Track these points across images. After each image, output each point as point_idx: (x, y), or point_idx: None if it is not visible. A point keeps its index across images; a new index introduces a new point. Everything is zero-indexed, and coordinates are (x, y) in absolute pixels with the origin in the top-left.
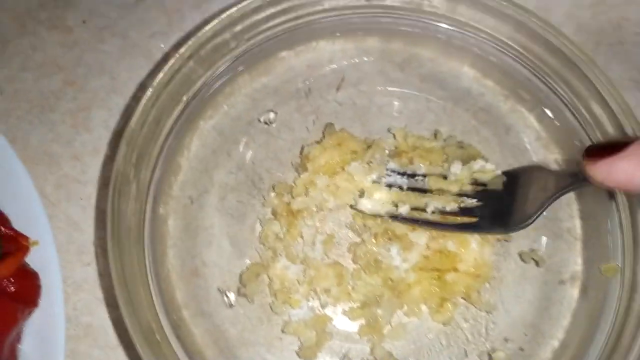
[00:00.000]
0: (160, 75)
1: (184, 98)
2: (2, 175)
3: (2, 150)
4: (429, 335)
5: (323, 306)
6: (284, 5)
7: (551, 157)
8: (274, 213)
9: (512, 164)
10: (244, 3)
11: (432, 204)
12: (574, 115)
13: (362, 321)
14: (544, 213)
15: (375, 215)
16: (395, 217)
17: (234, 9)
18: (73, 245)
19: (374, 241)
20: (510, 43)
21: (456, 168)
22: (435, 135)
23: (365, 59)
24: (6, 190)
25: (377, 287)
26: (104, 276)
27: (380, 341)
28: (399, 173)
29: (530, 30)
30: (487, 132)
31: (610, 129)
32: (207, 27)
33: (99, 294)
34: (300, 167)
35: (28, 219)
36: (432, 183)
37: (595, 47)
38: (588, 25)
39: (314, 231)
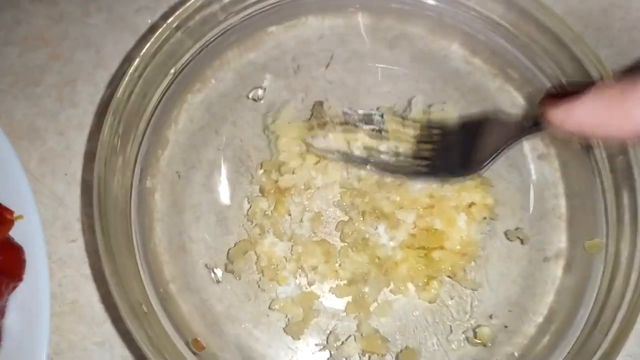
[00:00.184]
0: (148, 45)
1: (172, 70)
2: None
3: None
4: (415, 312)
5: (310, 283)
6: None
7: (538, 135)
8: (262, 190)
9: None
10: None
11: (386, 144)
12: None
13: (349, 298)
14: (532, 176)
15: (326, 152)
16: (348, 158)
17: None
18: (58, 221)
19: (361, 219)
20: (500, 21)
21: (414, 108)
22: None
23: (355, 36)
24: None
25: (364, 264)
26: (90, 252)
27: (366, 318)
28: (356, 113)
29: (521, 8)
30: (475, 111)
31: None
32: None
33: (84, 270)
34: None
35: (12, 193)
36: (389, 124)
37: (583, 30)
38: (576, 9)
39: (302, 209)
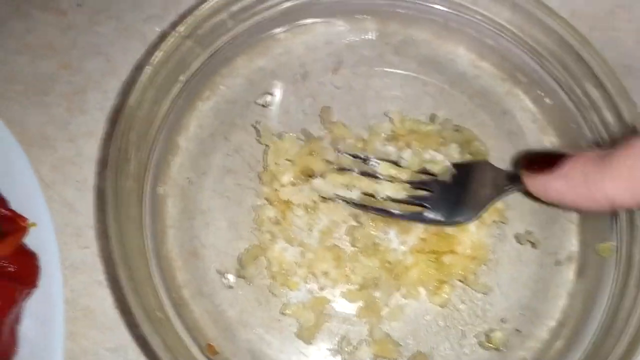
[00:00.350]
0: (159, 53)
1: (182, 77)
2: (0, 157)
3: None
4: (427, 316)
5: (321, 288)
6: None
7: (547, 139)
8: (267, 199)
9: (508, 147)
10: None
11: (382, 191)
12: (570, 97)
13: (360, 303)
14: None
15: (327, 198)
16: (346, 201)
17: None
18: (69, 227)
19: (372, 224)
20: (507, 25)
21: (407, 155)
22: (432, 118)
23: (362, 41)
24: (4, 172)
25: (375, 269)
26: (102, 258)
27: (378, 323)
28: (352, 156)
29: (527, 12)
30: (483, 115)
31: (607, 111)
32: (204, 6)
33: (96, 276)
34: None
35: (26, 200)
36: (383, 169)
37: (588, 33)
38: (582, 12)
39: (308, 219)
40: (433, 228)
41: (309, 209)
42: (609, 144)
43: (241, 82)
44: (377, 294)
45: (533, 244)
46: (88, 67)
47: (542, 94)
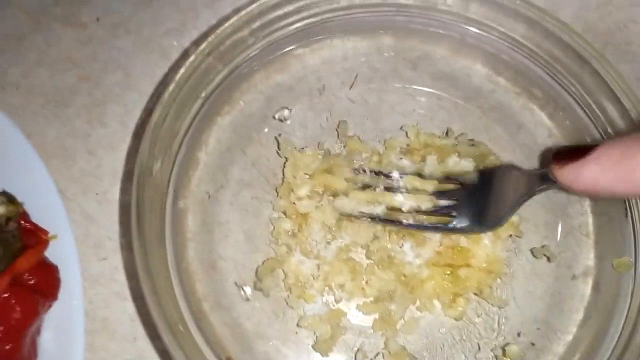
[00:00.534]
0: (182, 70)
1: (203, 94)
2: (20, 170)
3: (19, 144)
4: (442, 329)
5: (337, 301)
6: (301, 3)
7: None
8: (284, 212)
9: (523, 161)
10: (261, 0)
11: (408, 204)
12: (585, 112)
13: (376, 316)
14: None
15: (351, 216)
16: (373, 218)
17: (253, 6)
18: (89, 239)
19: (387, 237)
20: (522, 41)
21: (430, 162)
22: (447, 133)
23: (379, 57)
24: (24, 185)
25: (391, 282)
26: (122, 270)
27: (393, 335)
28: (374, 173)
29: (543, 28)
30: (498, 130)
31: (622, 126)
32: (227, 24)
33: (115, 287)
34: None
35: (46, 213)
36: (407, 182)
37: (602, 47)
38: (595, 27)
39: (325, 233)
40: (448, 241)
41: (331, 228)
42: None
43: (259, 98)
44: (392, 306)
45: (548, 258)
46: (108, 80)
47: (558, 108)
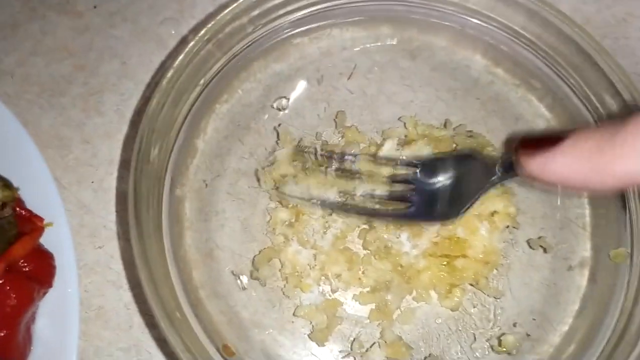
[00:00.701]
0: (181, 57)
1: (201, 81)
2: (16, 158)
3: (16, 132)
4: (438, 320)
5: (334, 291)
6: None
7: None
8: (280, 201)
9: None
10: None
11: (361, 188)
12: (584, 104)
13: (372, 306)
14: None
15: (302, 199)
16: (324, 204)
17: None
18: (84, 228)
19: (384, 227)
20: (522, 32)
21: (388, 146)
22: (445, 124)
23: (377, 47)
24: (20, 172)
25: (387, 272)
26: (118, 259)
27: (390, 325)
28: (327, 155)
29: (543, 19)
30: (497, 121)
31: (621, 118)
32: (226, 11)
33: (110, 276)
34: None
35: (42, 200)
36: (362, 165)
37: (600, 40)
38: (593, 20)
39: (323, 223)
40: (445, 232)
41: (325, 217)
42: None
43: (258, 86)
44: (388, 296)
45: (545, 249)
46: (104, 69)
47: (556, 100)
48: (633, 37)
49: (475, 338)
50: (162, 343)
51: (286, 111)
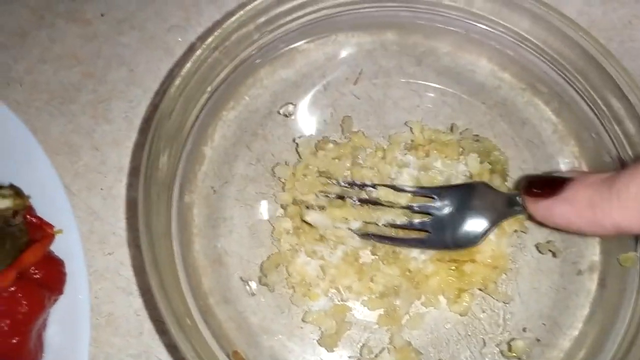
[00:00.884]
0: (189, 65)
1: (209, 88)
2: (26, 165)
3: (25, 140)
4: (447, 325)
5: (344, 300)
6: None
7: (567, 150)
8: (284, 208)
9: (528, 157)
10: None
11: (383, 218)
12: (591, 108)
13: (381, 311)
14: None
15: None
16: (351, 231)
17: (259, 0)
18: (94, 234)
19: (393, 233)
20: (527, 37)
21: (405, 177)
22: (452, 128)
23: (383, 52)
24: (30, 180)
25: (396, 277)
26: (127, 265)
27: (399, 331)
28: (348, 184)
29: (548, 23)
30: (503, 126)
31: (628, 121)
32: (233, 18)
33: (120, 282)
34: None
35: (52, 207)
36: (381, 194)
37: (606, 43)
38: (599, 23)
39: (333, 244)
40: None
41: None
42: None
43: (264, 93)
44: (397, 302)
45: (554, 254)
46: (112, 76)
47: (563, 104)
48: (639, 40)
49: (484, 343)
50: (172, 349)
51: (293, 117)
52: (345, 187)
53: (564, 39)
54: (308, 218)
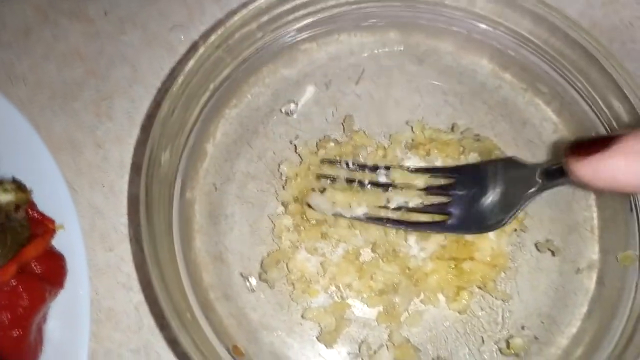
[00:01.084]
0: (191, 62)
1: (211, 86)
2: (29, 161)
3: (28, 137)
4: (446, 323)
5: (344, 298)
6: None
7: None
8: (285, 206)
9: (529, 157)
10: None
11: (395, 200)
12: (592, 108)
13: (380, 308)
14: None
15: (335, 215)
16: (357, 218)
17: (260, 0)
18: (95, 230)
19: (393, 231)
20: (529, 37)
21: (416, 159)
22: (453, 128)
23: (385, 52)
24: (33, 176)
25: (395, 275)
26: (127, 261)
27: (397, 328)
28: (359, 166)
29: (550, 24)
30: (504, 125)
31: (629, 122)
32: (236, 17)
33: (121, 278)
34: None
35: (54, 203)
36: (396, 176)
37: (608, 45)
38: (600, 24)
39: (334, 242)
40: (453, 235)
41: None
42: None
43: (266, 91)
44: (396, 299)
45: (553, 252)
46: (115, 74)
47: (564, 104)
48: None
49: (483, 341)
50: (172, 344)
51: (294, 115)
52: (354, 170)
53: (565, 39)
54: (312, 202)
